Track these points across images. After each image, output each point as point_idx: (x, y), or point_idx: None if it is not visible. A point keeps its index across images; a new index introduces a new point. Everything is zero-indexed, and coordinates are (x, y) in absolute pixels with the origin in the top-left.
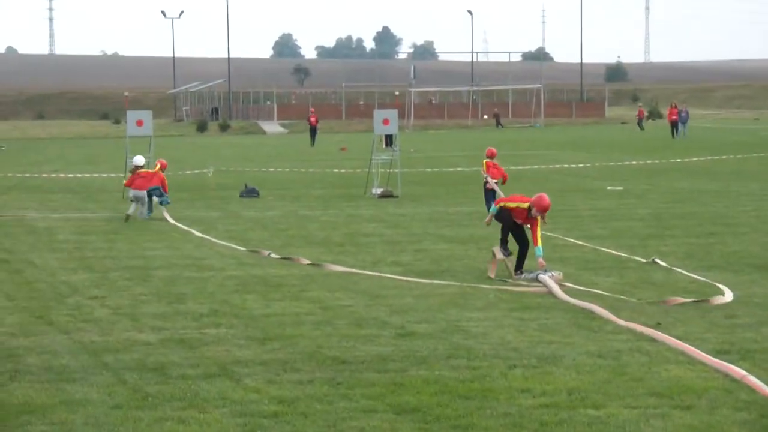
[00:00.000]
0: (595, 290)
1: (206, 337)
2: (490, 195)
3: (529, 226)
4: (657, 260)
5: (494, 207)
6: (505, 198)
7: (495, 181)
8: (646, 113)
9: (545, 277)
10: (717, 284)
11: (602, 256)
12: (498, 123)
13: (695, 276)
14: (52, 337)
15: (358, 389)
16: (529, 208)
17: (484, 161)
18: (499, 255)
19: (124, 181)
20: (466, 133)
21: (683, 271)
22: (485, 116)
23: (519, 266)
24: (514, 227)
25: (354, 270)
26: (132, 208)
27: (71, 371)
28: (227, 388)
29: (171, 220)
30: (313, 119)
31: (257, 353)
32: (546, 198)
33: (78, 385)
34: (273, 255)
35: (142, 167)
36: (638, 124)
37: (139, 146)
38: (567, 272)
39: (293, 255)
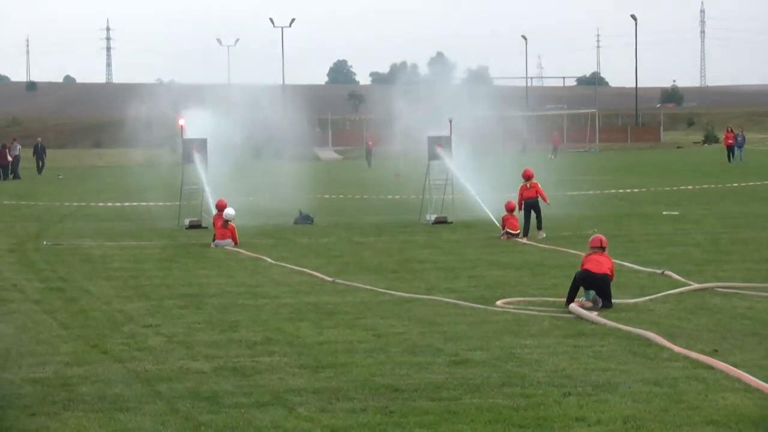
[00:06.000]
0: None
1: (259, 365)
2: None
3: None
4: (667, 272)
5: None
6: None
7: (516, 232)
8: (561, 141)
9: (575, 307)
10: None
11: (658, 282)
12: (554, 152)
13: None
14: (106, 365)
15: (412, 417)
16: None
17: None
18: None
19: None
20: (520, 158)
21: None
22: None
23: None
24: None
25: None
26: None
27: (125, 400)
28: (280, 416)
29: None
30: (370, 143)
31: (310, 381)
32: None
33: (131, 414)
34: (338, 281)
35: (228, 221)
36: (553, 152)
37: (195, 173)
38: (623, 297)
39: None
